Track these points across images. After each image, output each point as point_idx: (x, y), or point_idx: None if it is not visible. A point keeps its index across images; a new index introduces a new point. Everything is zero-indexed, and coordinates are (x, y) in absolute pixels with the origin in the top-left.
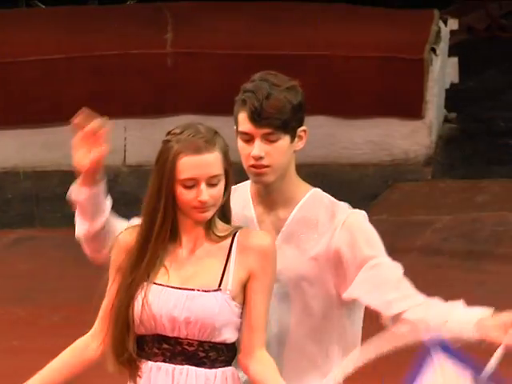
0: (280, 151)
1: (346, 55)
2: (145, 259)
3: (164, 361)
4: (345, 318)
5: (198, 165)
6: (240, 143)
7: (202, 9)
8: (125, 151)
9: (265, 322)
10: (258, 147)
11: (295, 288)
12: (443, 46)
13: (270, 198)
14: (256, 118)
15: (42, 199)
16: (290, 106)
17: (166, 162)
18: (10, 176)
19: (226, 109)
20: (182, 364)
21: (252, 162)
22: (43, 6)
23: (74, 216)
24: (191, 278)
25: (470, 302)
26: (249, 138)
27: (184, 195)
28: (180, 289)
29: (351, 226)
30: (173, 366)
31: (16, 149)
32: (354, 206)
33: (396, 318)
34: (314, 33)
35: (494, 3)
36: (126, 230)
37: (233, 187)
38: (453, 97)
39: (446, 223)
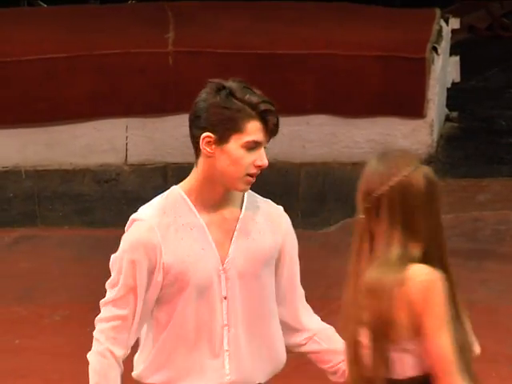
0: None
1: (347, 54)
2: None
3: None
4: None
5: None
6: (241, 152)
7: (203, 8)
8: (126, 150)
9: None
10: (265, 156)
11: (253, 274)
12: (445, 45)
13: (219, 202)
14: (275, 132)
15: (43, 198)
16: None
17: None
18: (11, 175)
19: None
20: None
21: (254, 170)
22: (45, 5)
23: (74, 215)
24: None
25: (473, 301)
26: (255, 147)
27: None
28: None
29: (292, 233)
30: None
31: (17, 148)
32: (356, 205)
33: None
34: (315, 32)
35: (495, 2)
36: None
37: (157, 201)
38: (454, 96)
39: (447, 222)
